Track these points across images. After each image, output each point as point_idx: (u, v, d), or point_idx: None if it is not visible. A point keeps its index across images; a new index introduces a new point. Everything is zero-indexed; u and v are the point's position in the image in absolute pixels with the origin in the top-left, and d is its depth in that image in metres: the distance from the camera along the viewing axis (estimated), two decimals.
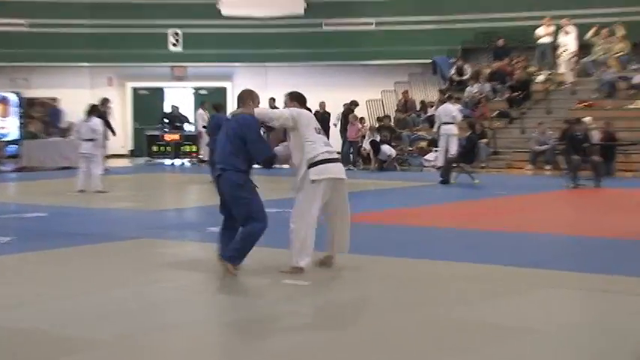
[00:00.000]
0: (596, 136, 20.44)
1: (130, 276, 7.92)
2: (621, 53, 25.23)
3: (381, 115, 26.17)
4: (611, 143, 20.45)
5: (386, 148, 22.80)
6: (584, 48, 25.78)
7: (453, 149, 21.04)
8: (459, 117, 21.77)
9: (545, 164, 22.06)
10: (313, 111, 25.34)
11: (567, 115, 22.26)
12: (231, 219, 7.79)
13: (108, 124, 20.66)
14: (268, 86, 30.12)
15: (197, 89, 31.33)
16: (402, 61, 28.77)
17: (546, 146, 22.02)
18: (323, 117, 24.66)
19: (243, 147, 7.59)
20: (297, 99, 8.07)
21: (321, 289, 7.28)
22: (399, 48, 29.02)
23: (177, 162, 25.92)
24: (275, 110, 8.33)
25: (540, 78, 25.82)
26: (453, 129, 21.58)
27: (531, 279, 7.59)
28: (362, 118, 24.84)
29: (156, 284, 7.52)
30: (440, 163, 21.96)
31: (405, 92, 26.94)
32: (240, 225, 7.71)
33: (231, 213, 7.74)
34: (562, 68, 25.72)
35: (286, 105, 8.14)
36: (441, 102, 23.23)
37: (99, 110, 17.41)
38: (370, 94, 27.27)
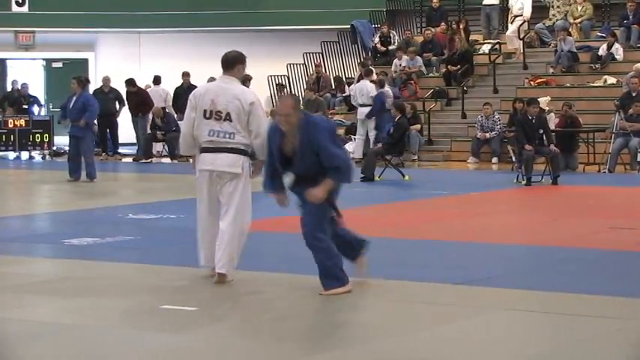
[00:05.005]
0: (553, 120, 20.83)
1: None
2: (583, 17, 25.76)
3: (287, 94, 26.14)
4: (572, 130, 20.84)
5: None
6: (537, 11, 26.22)
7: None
8: None
9: (491, 156, 22.38)
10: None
11: (518, 95, 22.63)
12: None
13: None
14: (142, 58, 29.81)
15: (49, 61, 30.85)
16: (313, 27, 28.80)
17: (493, 134, 22.33)
18: None
19: None
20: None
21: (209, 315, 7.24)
22: (309, 10, 29.05)
23: (24, 155, 25.46)
24: None
25: (485, 48, 26.16)
26: None
27: (479, 300, 7.71)
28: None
29: None
30: (358, 154, 22.10)
31: (318, 66, 26.99)
32: None
33: None
34: (510, 35, 26.06)
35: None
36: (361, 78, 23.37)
37: None
38: (273, 69, 27.24)
